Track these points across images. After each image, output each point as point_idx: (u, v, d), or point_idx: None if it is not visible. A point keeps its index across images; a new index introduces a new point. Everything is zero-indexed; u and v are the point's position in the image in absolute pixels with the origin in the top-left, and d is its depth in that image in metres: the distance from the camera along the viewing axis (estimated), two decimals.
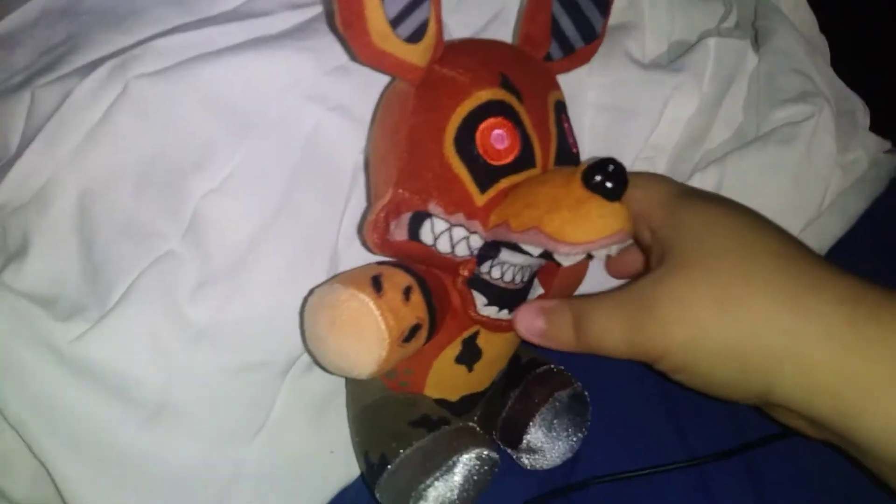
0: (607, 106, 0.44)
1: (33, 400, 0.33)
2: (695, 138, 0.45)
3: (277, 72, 0.38)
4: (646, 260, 0.32)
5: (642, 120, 0.44)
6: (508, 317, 0.32)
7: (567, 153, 0.31)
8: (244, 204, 0.36)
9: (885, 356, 0.23)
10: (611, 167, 0.26)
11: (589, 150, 0.42)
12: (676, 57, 0.48)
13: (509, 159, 0.29)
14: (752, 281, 0.26)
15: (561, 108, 0.32)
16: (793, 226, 0.38)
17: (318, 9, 0.42)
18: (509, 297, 0.32)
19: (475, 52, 0.31)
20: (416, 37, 0.28)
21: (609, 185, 0.25)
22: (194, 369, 0.35)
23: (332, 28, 0.31)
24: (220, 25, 0.39)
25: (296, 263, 0.37)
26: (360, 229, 0.36)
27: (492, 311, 0.32)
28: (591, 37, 0.29)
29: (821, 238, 0.44)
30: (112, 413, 0.34)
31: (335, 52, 0.39)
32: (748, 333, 0.25)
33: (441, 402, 0.34)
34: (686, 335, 0.26)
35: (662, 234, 0.29)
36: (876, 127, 0.53)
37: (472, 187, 0.29)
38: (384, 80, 0.37)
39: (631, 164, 0.44)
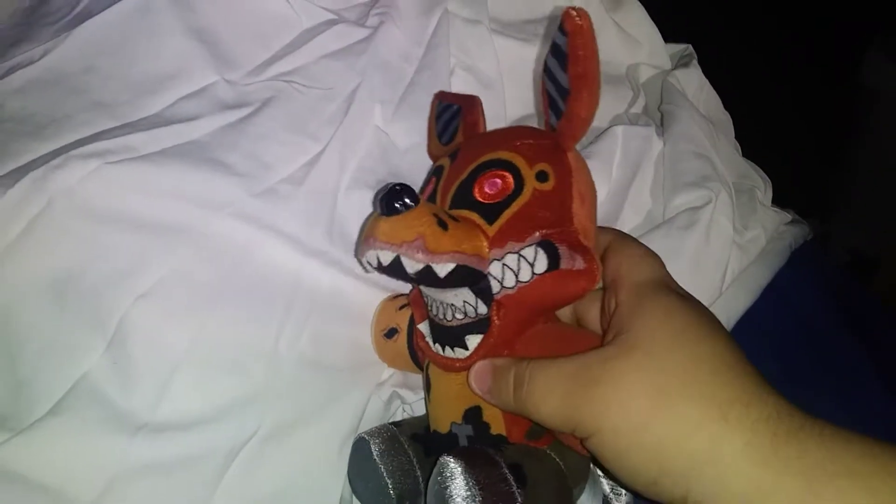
0: None
1: None
2: (605, 224, 0.47)
3: (205, 194, 0.39)
4: (603, 326, 0.34)
5: None
6: (450, 355, 0.35)
7: (463, 197, 0.35)
8: (174, 307, 0.37)
9: (799, 472, 0.24)
10: (383, 195, 0.31)
11: None
12: (587, 144, 0.51)
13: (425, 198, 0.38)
14: (689, 383, 0.27)
15: (487, 165, 0.35)
16: None
17: (242, 112, 0.44)
18: (442, 334, 0.35)
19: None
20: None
21: (382, 206, 0.31)
22: (131, 468, 0.35)
23: None
24: (144, 131, 0.40)
25: (229, 363, 0.38)
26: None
27: (437, 348, 0.36)
28: (566, 94, 0.31)
29: (727, 313, 0.45)
30: None
31: (262, 175, 0.41)
32: (675, 434, 0.27)
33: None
34: (619, 421, 0.28)
35: (624, 312, 0.31)
36: (783, 198, 0.56)
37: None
38: (317, 202, 0.42)
39: None
